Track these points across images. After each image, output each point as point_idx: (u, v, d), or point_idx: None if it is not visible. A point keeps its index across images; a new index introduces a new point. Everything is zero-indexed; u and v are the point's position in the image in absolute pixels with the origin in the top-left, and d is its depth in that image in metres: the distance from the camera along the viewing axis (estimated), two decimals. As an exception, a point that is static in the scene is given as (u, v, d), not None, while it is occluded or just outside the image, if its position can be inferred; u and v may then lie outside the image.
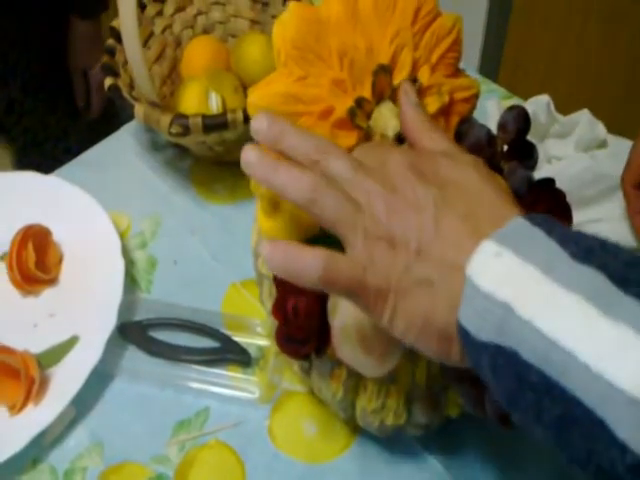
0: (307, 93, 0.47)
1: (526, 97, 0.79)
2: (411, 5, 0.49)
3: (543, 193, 0.48)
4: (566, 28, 1.43)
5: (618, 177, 0.61)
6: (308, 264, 0.33)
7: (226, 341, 0.59)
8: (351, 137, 0.47)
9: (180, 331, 0.60)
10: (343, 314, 0.41)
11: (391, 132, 0.45)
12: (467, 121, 0.50)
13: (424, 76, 0.49)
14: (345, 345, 0.41)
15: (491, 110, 0.71)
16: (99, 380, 0.57)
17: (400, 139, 0.45)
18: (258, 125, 0.39)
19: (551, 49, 1.48)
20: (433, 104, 0.49)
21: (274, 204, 0.43)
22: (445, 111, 0.50)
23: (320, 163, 0.36)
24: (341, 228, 0.34)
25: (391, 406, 0.46)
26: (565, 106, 0.70)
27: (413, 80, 0.48)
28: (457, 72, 0.52)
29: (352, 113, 0.46)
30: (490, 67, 1.56)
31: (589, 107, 0.69)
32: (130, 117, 0.70)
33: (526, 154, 0.50)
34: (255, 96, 0.48)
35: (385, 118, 0.46)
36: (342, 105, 0.46)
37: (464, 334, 0.30)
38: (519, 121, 0.49)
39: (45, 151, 1.03)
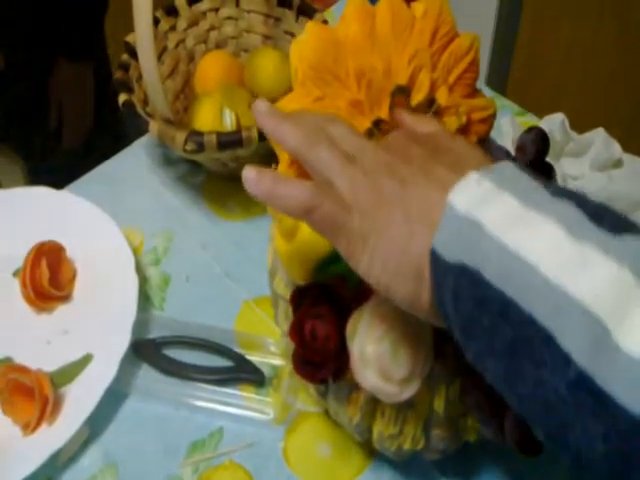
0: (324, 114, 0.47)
1: (536, 110, 0.79)
2: (429, 26, 0.48)
3: None
4: (576, 41, 1.42)
5: (634, 197, 0.60)
6: (294, 190, 0.35)
7: (239, 360, 0.59)
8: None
9: (193, 349, 0.60)
10: (362, 339, 0.41)
11: None
12: (485, 142, 0.50)
13: (442, 97, 0.48)
14: (364, 371, 0.41)
15: (505, 127, 0.71)
16: (113, 399, 0.57)
17: None
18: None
19: (560, 61, 1.47)
20: (451, 125, 0.49)
21: (292, 228, 0.43)
22: (463, 131, 0.50)
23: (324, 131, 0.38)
24: (329, 172, 0.35)
25: (409, 432, 0.46)
26: (576, 120, 0.70)
27: (431, 101, 0.47)
28: (474, 92, 0.52)
29: (370, 134, 0.46)
30: (498, 79, 1.56)
31: (599, 120, 0.68)
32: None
33: (545, 175, 0.50)
34: None
35: None
36: (360, 126, 0.46)
37: (434, 259, 0.31)
38: (538, 143, 0.49)
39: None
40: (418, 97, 0.48)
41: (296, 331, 0.43)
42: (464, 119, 0.49)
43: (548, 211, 0.28)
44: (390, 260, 0.33)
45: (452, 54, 0.49)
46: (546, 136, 0.49)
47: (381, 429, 0.46)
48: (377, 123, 0.46)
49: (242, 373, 0.58)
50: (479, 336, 0.29)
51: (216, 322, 0.61)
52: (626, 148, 0.67)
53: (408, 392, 0.41)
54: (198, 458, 0.53)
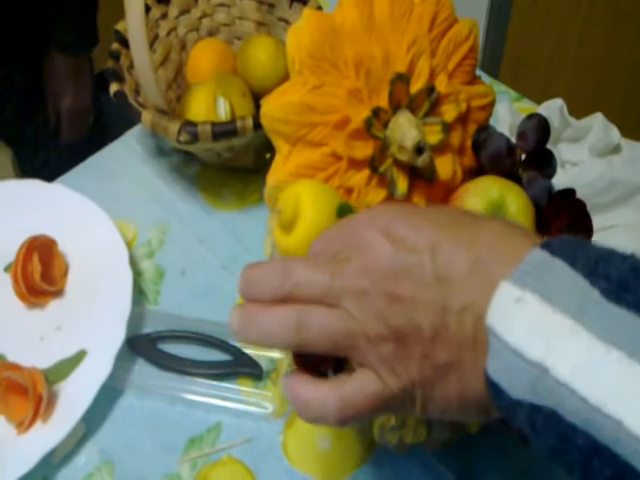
0: (322, 103, 0.46)
1: (529, 93, 0.78)
2: (428, 12, 0.47)
3: (564, 204, 0.47)
4: (567, 26, 1.42)
5: (633, 183, 0.60)
6: (325, 409, 0.31)
7: (237, 354, 0.58)
8: (368, 147, 0.46)
9: (190, 344, 0.59)
10: None
11: (409, 142, 0.44)
12: (485, 130, 0.49)
13: (441, 84, 0.48)
14: None
15: (502, 113, 0.70)
16: (108, 396, 0.56)
17: (419, 149, 0.44)
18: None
19: (553, 46, 1.47)
20: (451, 112, 0.48)
21: (291, 220, 0.42)
22: (462, 119, 0.49)
23: (292, 294, 0.32)
24: (342, 351, 0.32)
25: (410, 424, 0.45)
26: (569, 105, 0.69)
27: (430, 88, 0.46)
28: (473, 79, 0.51)
29: (368, 123, 0.45)
30: (492, 65, 1.55)
31: (592, 105, 0.68)
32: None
33: (545, 163, 0.49)
34: (269, 106, 0.46)
35: (402, 128, 0.45)
36: (358, 115, 0.45)
37: (496, 390, 0.28)
38: (539, 131, 0.48)
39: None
40: (417, 84, 0.47)
41: None
42: (464, 106, 0.48)
43: (612, 335, 0.25)
44: (448, 408, 0.31)
45: (451, 40, 0.48)
46: (547, 124, 0.48)
47: (382, 422, 0.46)
48: (376, 112, 0.45)
49: (240, 367, 0.57)
50: (570, 464, 0.27)
51: (212, 315, 0.61)
52: (620, 132, 0.67)
53: None
54: (196, 454, 0.53)
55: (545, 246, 0.29)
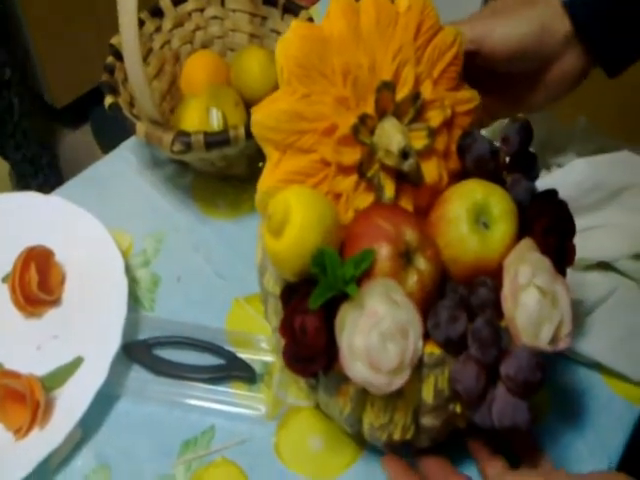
0: (311, 111, 0.47)
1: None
2: (413, 20, 0.49)
3: (546, 204, 0.48)
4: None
5: (617, 183, 0.61)
6: None
7: (231, 358, 0.59)
8: (355, 153, 0.47)
9: (184, 349, 0.60)
10: (350, 332, 0.41)
11: (395, 147, 0.45)
12: (470, 134, 0.50)
13: (426, 91, 0.49)
14: (353, 363, 0.41)
15: None
16: (104, 401, 0.57)
17: (405, 153, 0.45)
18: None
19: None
20: (436, 118, 0.49)
21: (280, 225, 0.43)
22: (447, 124, 0.50)
23: None
24: None
25: (398, 421, 0.46)
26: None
27: (416, 95, 0.48)
28: (458, 85, 0.52)
29: (355, 129, 0.46)
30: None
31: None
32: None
33: (528, 165, 0.51)
34: (259, 114, 0.48)
35: (388, 134, 0.46)
36: (346, 122, 0.46)
37: None
38: (522, 133, 0.49)
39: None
40: (403, 91, 0.48)
41: (286, 327, 0.44)
42: (449, 112, 0.50)
43: None
44: None
45: (436, 48, 0.50)
46: (530, 127, 0.49)
47: (371, 420, 0.46)
48: (363, 118, 0.46)
49: (234, 371, 0.58)
50: None
51: (207, 321, 0.62)
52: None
53: (397, 383, 0.41)
54: (190, 457, 0.53)
55: None
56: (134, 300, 0.64)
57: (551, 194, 0.49)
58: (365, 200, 0.48)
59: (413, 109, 0.48)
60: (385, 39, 0.48)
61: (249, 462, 0.53)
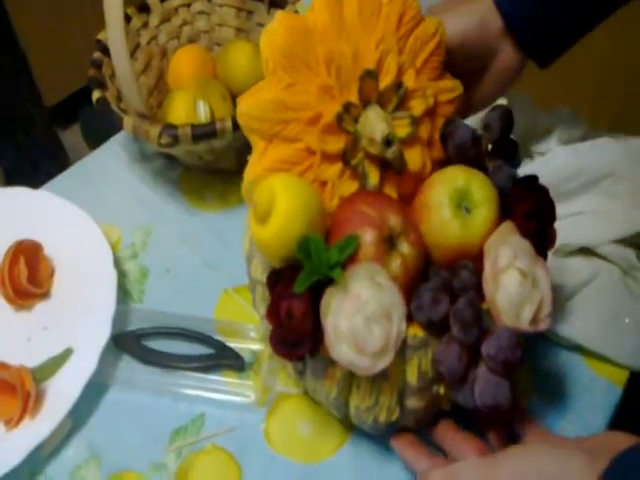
0: (296, 100, 0.48)
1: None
2: (395, 11, 0.50)
3: (528, 190, 0.49)
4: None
5: (598, 170, 0.62)
6: None
7: (220, 347, 0.59)
8: (339, 141, 0.48)
9: (174, 339, 0.60)
10: (335, 315, 0.42)
11: (379, 135, 0.46)
12: (452, 122, 0.51)
13: (409, 80, 0.50)
14: (338, 346, 0.42)
15: None
16: (95, 391, 0.57)
17: (388, 141, 0.46)
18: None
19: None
20: (419, 107, 0.50)
21: (266, 212, 0.44)
22: (430, 113, 0.51)
23: None
24: None
25: (384, 403, 0.47)
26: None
27: (398, 85, 0.48)
28: (441, 74, 0.53)
29: (339, 118, 0.47)
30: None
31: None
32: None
33: (510, 152, 0.51)
34: (245, 105, 0.48)
35: (372, 122, 0.47)
36: (330, 110, 0.47)
37: None
38: (503, 120, 0.50)
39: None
40: (386, 80, 0.49)
41: (273, 312, 0.44)
42: (431, 101, 0.50)
43: None
44: None
45: (418, 38, 0.50)
46: (510, 114, 0.50)
47: (357, 402, 0.47)
48: (347, 107, 0.47)
49: (223, 359, 0.58)
50: None
51: (196, 312, 0.62)
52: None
53: (381, 364, 0.42)
54: (181, 444, 0.54)
55: None
56: (123, 292, 0.64)
57: (532, 180, 0.50)
58: (350, 188, 0.49)
59: (396, 98, 0.48)
60: (368, 29, 0.49)
61: (239, 448, 0.54)
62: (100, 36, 0.73)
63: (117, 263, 0.65)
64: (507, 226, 0.46)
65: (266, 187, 0.45)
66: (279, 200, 0.44)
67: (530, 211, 0.47)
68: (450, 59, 0.53)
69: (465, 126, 0.49)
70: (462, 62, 0.53)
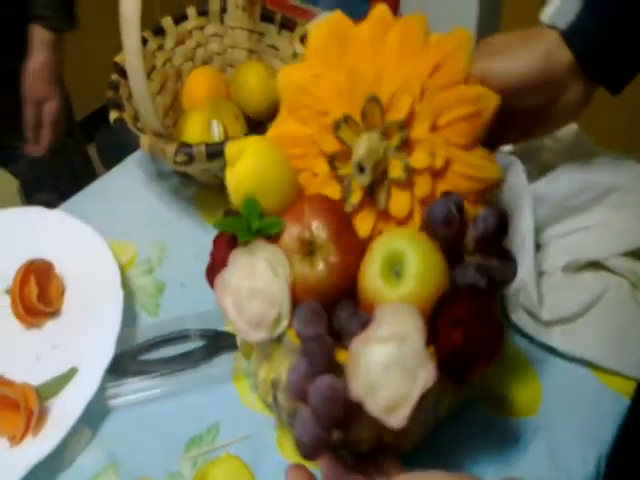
0: (315, 90, 0.51)
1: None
2: (434, 57, 0.49)
3: (465, 296, 0.46)
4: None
5: (605, 184, 0.63)
6: None
7: (214, 335, 0.62)
8: (335, 145, 0.49)
9: (168, 345, 0.63)
10: (231, 269, 0.48)
11: (355, 157, 0.47)
12: (444, 195, 0.48)
13: (420, 130, 0.48)
14: (225, 295, 0.47)
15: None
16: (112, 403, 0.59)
17: (361, 168, 0.47)
18: None
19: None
20: (420, 161, 0.48)
21: (235, 156, 0.49)
22: (437, 175, 0.49)
23: None
24: None
25: (265, 379, 0.50)
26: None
27: (401, 124, 0.48)
28: (472, 147, 0.50)
29: (336, 125, 0.48)
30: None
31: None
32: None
33: (488, 253, 0.48)
34: (282, 72, 0.53)
35: (359, 143, 0.48)
36: (335, 112, 0.49)
37: None
38: (488, 222, 0.47)
39: None
40: (394, 117, 0.48)
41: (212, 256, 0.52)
42: (439, 163, 0.48)
43: None
44: None
45: (450, 97, 0.49)
46: (504, 218, 0.48)
47: (263, 375, 0.50)
48: (346, 119, 0.48)
49: (218, 343, 0.61)
50: None
51: (210, 325, 0.63)
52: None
53: (254, 336, 0.46)
54: (196, 453, 0.55)
55: None
56: (140, 306, 0.66)
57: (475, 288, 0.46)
58: (334, 191, 0.50)
59: (398, 136, 0.48)
60: (400, 62, 0.50)
61: (253, 457, 0.55)
62: (117, 59, 0.75)
63: (132, 279, 0.66)
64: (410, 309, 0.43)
65: (245, 140, 0.50)
66: (249, 143, 0.49)
67: (457, 318, 0.44)
68: (517, 98, 0.52)
69: (445, 203, 0.46)
70: (529, 100, 0.54)
